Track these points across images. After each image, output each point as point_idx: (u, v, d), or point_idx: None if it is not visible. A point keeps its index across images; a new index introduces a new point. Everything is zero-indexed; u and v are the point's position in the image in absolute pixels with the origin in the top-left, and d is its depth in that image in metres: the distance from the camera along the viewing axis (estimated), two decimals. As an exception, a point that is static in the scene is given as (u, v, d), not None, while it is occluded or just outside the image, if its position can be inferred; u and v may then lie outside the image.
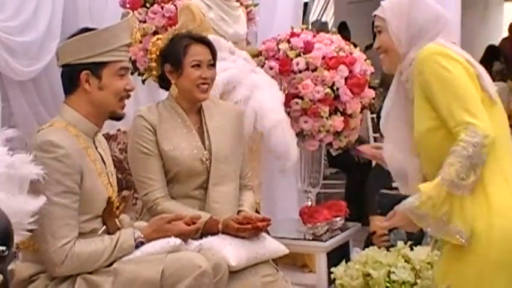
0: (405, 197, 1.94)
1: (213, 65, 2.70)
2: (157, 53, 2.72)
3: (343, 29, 7.99)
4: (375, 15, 2.17)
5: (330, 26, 7.56)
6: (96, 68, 2.23)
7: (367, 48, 7.90)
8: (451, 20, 2.14)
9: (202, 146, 2.67)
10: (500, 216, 1.89)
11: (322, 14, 6.85)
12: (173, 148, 2.62)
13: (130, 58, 3.41)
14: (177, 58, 2.65)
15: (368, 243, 3.47)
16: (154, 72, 2.80)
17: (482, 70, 2.02)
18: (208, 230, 2.50)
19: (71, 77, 2.25)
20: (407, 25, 2.07)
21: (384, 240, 3.19)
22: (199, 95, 2.66)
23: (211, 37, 2.98)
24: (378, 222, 2.06)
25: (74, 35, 2.26)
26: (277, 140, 3.05)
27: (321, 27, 6.27)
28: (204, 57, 2.67)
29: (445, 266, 2.00)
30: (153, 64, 2.76)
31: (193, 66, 2.64)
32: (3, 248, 1.10)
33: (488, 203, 1.90)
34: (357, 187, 4.04)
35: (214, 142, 2.67)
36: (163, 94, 3.07)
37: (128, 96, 2.33)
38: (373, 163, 4.28)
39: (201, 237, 2.45)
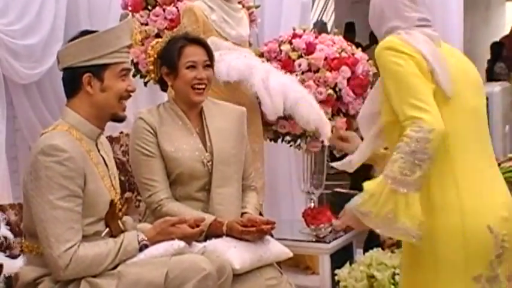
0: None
1: (209, 66, 2.69)
2: (155, 56, 2.73)
3: (349, 30, 8.00)
4: None
5: (329, 26, 7.57)
6: (98, 70, 2.22)
7: (366, 48, 7.93)
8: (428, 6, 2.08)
9: (204, 148, 2.67)
10: (443, 216, 1.87)
11: (323, 14, 6.85)
12: (174, 150, 2.62)
13: (132, 60, 3.42)
14: (172, 60, 2.64)
15: (368, 245, 3.45)
16: (153, 75, 2.80)
17: (438, 65, 1.94)
18: (213, 232, 2.50)
19: (73, 80, 2.24)
20: (372, 11, 2.07)
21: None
22: (194, 97, 2.65)
23: (210, 40, 2.99)
24: (336, 223, 2.04)
25: (74, 38, 2.25)
26: (307, 110, 3.09)
27: (320, 27, 6.27)
28: (199, 57, 2.66)
29: (403, 268, 1.99)
30: (151, 67, 2.77)
31: (188, 68, 2.64)
32: None
33: (431, 203, 1.87)
34: (361, 188, 4.04)
35: (216, 144, 2.66)
36: (165, 96, 3.07)
37: (128, 97, 2.32)
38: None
39: (205, 240, 2.46)
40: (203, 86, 2.65)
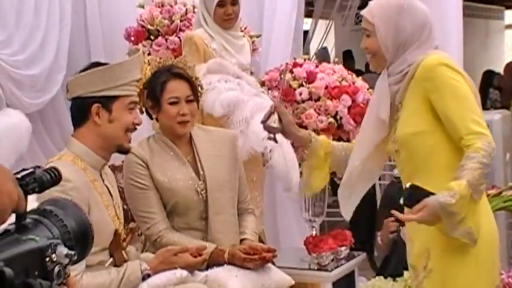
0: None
1: (193, 100, 2.65)
2: (141, 87, 2.72)
3: (348, 58, 8.05)
4: (363, 16, 2.11)
5: (330, 51, 7.62)
6: (107, 102, 2.26)
7: (366, 72, 7.95)
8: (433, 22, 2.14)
9: (197, 176, 2.65)
10: (486, 217, 2.04)
11: (323, 42, 6.90)
12: (168, 180, 2.61)
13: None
14: (155, 95, 2.63)
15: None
16: (139, 106, 2.80)
17: (476, 90, 2.10)
18: (215, 260, 2.50)
19: (81, 109, 2.28)
20: (395, 33, 2.06)
21: (392, 230, 3.18)
22: (179, 130, 2.63)
23: (216, 60, 3.00)
24: (400, 215, 2.03)
25: (85, 69, 2.29)
26: (276, 161, 3.07)
27: (321, 53, 6.30)
28: (181, 93, 2.62)
29: (441, 272, 2.05)
30: (137, 99, 2.77)
31: (170, 104, 2.61)
32: (72, 252, 1.06)
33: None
34: (359, 214, 4.04)
35: (208, 171, 2.65)
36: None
37: (134, 130, 2.35)
38: (378, 193, 4.28)
39: (207, 268, 2.46)
40: (187, 121, 2.62)
